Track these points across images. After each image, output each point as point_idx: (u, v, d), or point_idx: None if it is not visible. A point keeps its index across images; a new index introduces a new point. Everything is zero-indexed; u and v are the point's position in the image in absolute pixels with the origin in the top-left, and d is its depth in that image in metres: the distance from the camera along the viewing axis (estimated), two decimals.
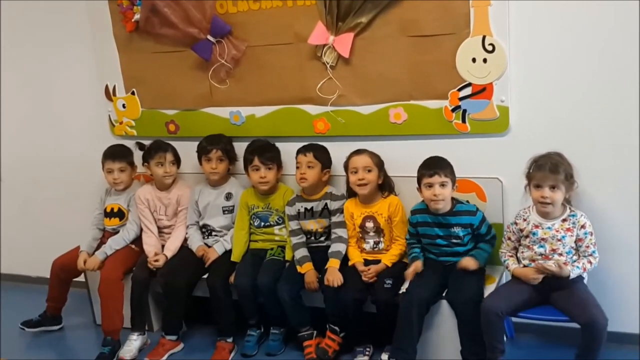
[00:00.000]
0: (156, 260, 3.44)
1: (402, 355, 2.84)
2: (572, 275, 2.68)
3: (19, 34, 4.05)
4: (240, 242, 3.44)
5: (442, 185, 2.88)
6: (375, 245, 3.16)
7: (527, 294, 2.72)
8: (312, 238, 3.34)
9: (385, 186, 3.17)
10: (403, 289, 2.94)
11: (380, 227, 3.14)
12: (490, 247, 2.97)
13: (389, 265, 3.08)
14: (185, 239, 3.59)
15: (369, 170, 3.09)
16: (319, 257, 3.20)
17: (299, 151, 3.28)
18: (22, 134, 4.29)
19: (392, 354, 2.89)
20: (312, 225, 3.31)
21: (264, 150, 3.36)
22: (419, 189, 2.96)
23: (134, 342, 3.41)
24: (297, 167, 3.27)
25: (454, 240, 2.96)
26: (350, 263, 3.15)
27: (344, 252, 3.18)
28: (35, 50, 4.03)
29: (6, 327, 3.83)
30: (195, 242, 3.51)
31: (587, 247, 2.73)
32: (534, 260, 2.78)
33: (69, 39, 3.88)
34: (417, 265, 2.93)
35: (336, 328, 3.14)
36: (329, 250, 3.19)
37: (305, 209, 3.31)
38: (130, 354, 3.36)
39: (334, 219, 3.26)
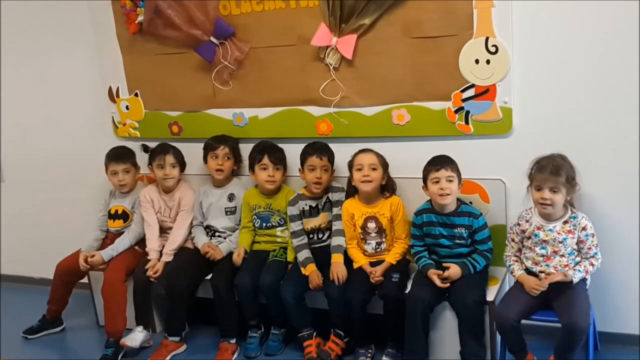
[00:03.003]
0: (155, 272, 3.42)
1: (414, 356, 2.88)
2: (575, 280, 2.68)
3: (21, 36, 4.05)
4: (245, 236, 3.46)
5: (449, 180, 2.89)
6: (377, 246, 3.16)
7: (534, 297, 2.71)
8: (315, 237, 3.34)
9: (388, 188, 3.17)
10: (409, 286, 2.96)
11: (382, 228, 3.14)
12: (484, 260, 2.96)
13: (394, 263, 3.08)
14: (185, 240, 3.59)
15: (374, 169, 3.09)
16: (322, 258, 3.21)
17: (311, 153, 3.24)
18: (25, 135, 4.30)
19: (406, 356, 2.92)
20: (316, 221, 3.32)
21: (274, 150, 3.38)
22: (425, 187, 2.97)
23: (138, 333, 3.41)
24: (311, 170, 3.24)
25: (458, 241, 2.97)
26: (355, 265, 3.15)
27: (345, 246, 3.19)
28: (38, 52, 4.03)
29: (8, 327, 3.84)
30: (201, 240, 3.51)
31: (589, 248, 2.73)
32: (536, 263, 2.79)
33: (72, 41, 3.89)
34: (438, 273, 2.89)
35: (341, 332, 3.15)
36: (331, 245, 3.20)
37: (310, 206, 3.32)
38: (132, 341, 3.36)
39: (335, 210, 3.27)
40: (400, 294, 2.93)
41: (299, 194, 3.36)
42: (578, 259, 2.76)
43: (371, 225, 3.15)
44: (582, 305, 2.62)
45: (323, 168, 3.24)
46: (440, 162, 2.92)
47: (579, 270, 2.70)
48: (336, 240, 3.21)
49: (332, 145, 3.32)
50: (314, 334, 3.22)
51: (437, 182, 2.90)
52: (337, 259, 3.12)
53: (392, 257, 3.10)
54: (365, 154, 3.13)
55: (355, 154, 3.16)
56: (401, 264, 3.11)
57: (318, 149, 3.26)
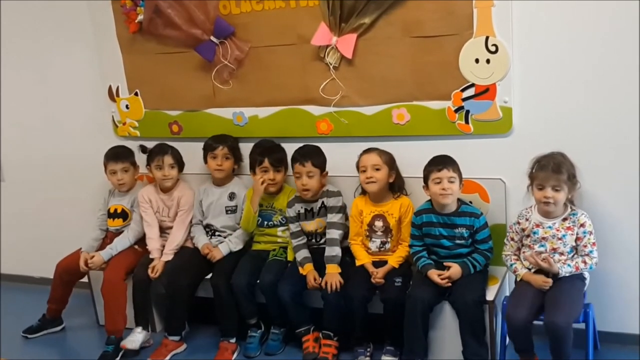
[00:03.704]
0: (155, 272, 3.43)
1: (414, 356, 2.89)
2: (562, 273, 2.68)
3: (21, 36, 4.05)
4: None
5: (450, 180, 2.89)
6: (382, 245, 3.16)
7: (538, 296, 2.72)
8: (313, 240, 3.35)
9: (395, 186, 3.16)
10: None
11: (389, 227, 3.13)
12: (484, 259, 2.96)
13: (396, 266, 3.08)
14: (185, 239, 3.60)
15: (378, 169, 3.08)
16: (321, 259, 3.20)
17: (296, 160, 3.24)
18: (25, 134, 4.29)
19: (406, 355, 2.93)
20: (312, 225, 3.32)
21: (274, 152, 3.37)
22: (426, 187, 2.97)
23: (137, 335, 3.41)
24: (297, 177, 3.24)
25: (458, 241, 2.96)
26: (358, 263, 3.15)
27: (340, 255, 3.18)
28: (38, 51, 4.03)
29: (8, 327, 3.83)
30: (201, 241, 3.52)
31: (585, 246, 2.73)
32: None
33: (72, 40, 3.89)
34: (439, 274, 2.90)
35: (330, 333, 3.15)
36: (325, 255, 3.18)
37: (306, 209, 3.31)
38: (132, 344, 3.36)
39: (329, 217, 3.26)
40: (402, 299, 2.92)
41: (296, 196, 3.36)
42: (576, 257, 2.76)
43: (378, 223, 3.14)
44: (567, 305, 2.61)
45: (308, 174, 3.21)
46: (442, 162, 2.92)
47: (569, 265, 2.70)
48: (330, 251, 3.19)
49: (332, 145, 3.32)
50: (312, 329, 3.23)
51: (439, 182, 2.90)
52: (331, 270, 3.12)
53: (395, 261, 3.09)
54: (368, 154, 3.12)
55: (360, 155, 3.15)
56: (403, 267, 3.11)
57: (303, 154, 3.24)
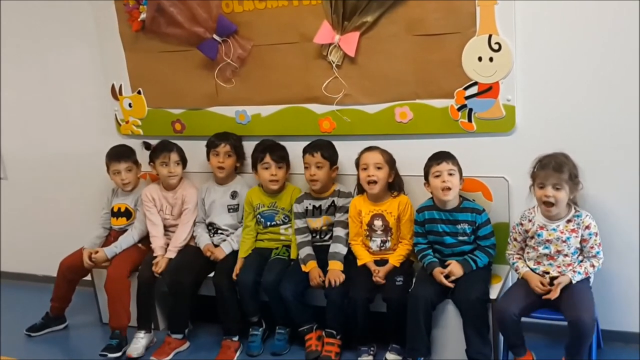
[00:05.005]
0: (158, 268, 3.44)
1: (416, 354, 2.88)
2: (575, 280, 2.68)
3: (24, 35, 4.05)
4: (246, 243, 3.45)
5: (450, 173, 2.89)
6: (382, 244, 3.16)
7: (535, 295, 2.72)
8: (317, 237, 3.35)
9: (395, 185, 3.16)
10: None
11: (389, 226, 3.13)
12: (486, 257, 2.96)
13: (397, 265, 3.08)
14: (190, 237, 3.60)
15: (379, 168, 3.09)
16: (324, 256, 3.21)
17: (306, 151, 3.27)
18: (28, 132, 4.30)
19: (408, 354, 2.93)
20: (318, 223, 3.32)
21: (275, 149, 3.38)
22: (427, 184, 2.97)
23: (141, 340, 3.42)
24: (306, 168, 3.26)
25: (461, 238, 2.96)
26: (359, 262, 3.15)
27: (343, 253, 3.19)
28: (41, 50, 4.03)
29: (12, 326, 3.84)
30: (203, 241, 3.53)
31: (592, 247, 2.73)
32: (539, 263, 2.79)
33: (75, 39, 3.89)
34: (442, 271, 2.90)
35: (332, 331, 3.15)
36: (329, 251, 3.20)
37: (314, 206, 3.32)
38: (137, 351, 3.37)
39: (338, 217, 3.27)
40: (404, 298, 2.92)
41: (306, 192, 3.36)
42: (581, 258, 2.76)
43: (378, 222, 3.14)
44: (586, 302, 2.62)
45: (317, 165, 3.23)
46: (441, 156, 2.93)
47: (579, 272, 2.70)
48: (334, 247, 3.20)
49: (335, 143, 3.31)
50: (315, 327, 3.23)
51: (439, 175, 2.90)
52: (333, 266, 3.12)
53: (395, 260, 3.09)
54: (370, 152, 3.12)
55: (361, 153, 3.15)
56: (405, 266, 3.11)
57: (313, 146, 3.27)
